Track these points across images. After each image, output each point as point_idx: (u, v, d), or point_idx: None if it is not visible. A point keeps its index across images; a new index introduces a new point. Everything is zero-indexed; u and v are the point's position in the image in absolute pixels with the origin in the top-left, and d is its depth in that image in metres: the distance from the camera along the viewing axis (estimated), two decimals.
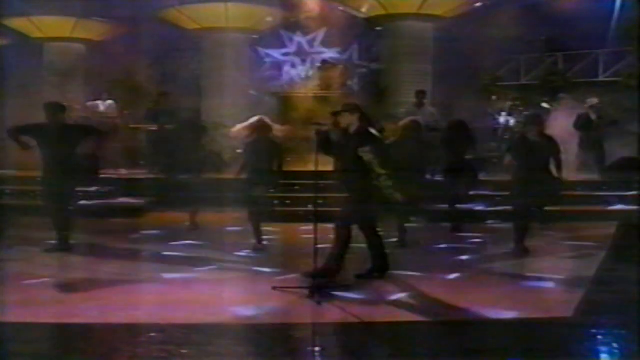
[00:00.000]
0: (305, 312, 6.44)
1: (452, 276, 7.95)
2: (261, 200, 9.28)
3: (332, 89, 14.84)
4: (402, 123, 10.00)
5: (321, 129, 7.46)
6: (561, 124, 13.79)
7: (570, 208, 11.55)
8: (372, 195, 7.40)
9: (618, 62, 18.53)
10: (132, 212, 12.17)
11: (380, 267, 7.68)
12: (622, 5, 18.97)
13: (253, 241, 9.27)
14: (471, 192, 11.58)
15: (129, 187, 13.05)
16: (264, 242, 9.35)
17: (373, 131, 7.59)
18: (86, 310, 6.39)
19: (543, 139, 9.08)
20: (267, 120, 9.48)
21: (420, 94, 14.57)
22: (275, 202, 10.65)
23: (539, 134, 9.08)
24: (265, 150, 9.23)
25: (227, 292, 7.16)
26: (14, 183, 12.43)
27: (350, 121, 7.52)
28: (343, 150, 7.48)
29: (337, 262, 7.41)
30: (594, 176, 13.75)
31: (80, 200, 9.51)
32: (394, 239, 9.44)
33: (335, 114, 7.82)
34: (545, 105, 15.66)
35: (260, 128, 9.33)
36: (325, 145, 7.47)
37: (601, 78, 18.82)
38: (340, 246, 7.43)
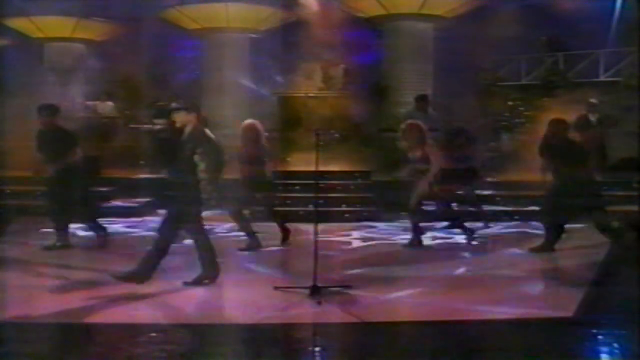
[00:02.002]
0: (305, 311, 6.44)
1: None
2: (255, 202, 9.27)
3: (332, 89, 14.82)
4: (402, 126, 9.78)
5: (155, 128, 7.24)
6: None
7: None
8: (199, 198, 7.17)
9: (619, 62, 18.52)
10: (133, 212, 12.19)
11: (210, 273, 7.32)
12: (623, 5, 18.96)
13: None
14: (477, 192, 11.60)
15: (130, 187, 13.03)
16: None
17: (209, 133, 7.33)
18: None
19: (566, 143, 9.04)
20: (258, 126, 9.35)
21: (422, 99, 14.27)
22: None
23: (563, 139, 9.01)
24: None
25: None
26: (13, 183, 12.40)
27: (186, 121, 7.22)
28: (175, 150, 7.13)
29: (149, 268, 7.03)
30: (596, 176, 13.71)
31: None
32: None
33: (171, 112, 7.42)
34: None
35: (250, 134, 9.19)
36: (158, 144, 7.22)
37: (602, 78, 18.82)
38: (158, 253, 7.07)
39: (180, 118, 7.22)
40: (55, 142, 8.83)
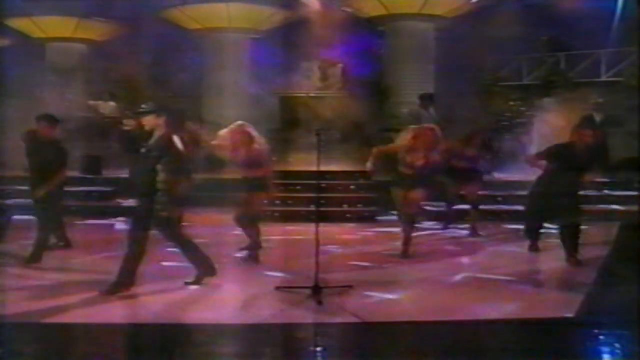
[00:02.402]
0: (306, 312, 6.44)
1: None
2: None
3: (333, 89, 14.83)
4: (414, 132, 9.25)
5: (124, 129, 7.02)
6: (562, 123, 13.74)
7: None
8: (167, 203, 6.81)
9: (620, 62, 18.50)
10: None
11: (206, 272, 7.26)
12: (624, 5, 18.94)
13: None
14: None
15: (130, 186, 13.01)
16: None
17: (177, 141, 7.00)
18: None
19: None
20: (248, 128, 8.73)
21: (427, 98, 14.02)
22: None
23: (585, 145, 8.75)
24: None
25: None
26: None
27: (155, 124, 6.97)
28: (138, 153, 6.94)
29: (129, 276, 6.90)
30: (597, 176, 13.70)
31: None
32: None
33: (139, 115, 7.18)
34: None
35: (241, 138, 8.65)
36: (126, 144, 7.01)
37: (603, 78, 18.79)
38: (134, 257, 6.90)
39: (148, 121, 6.99)
40: (49, 158, 8.47)
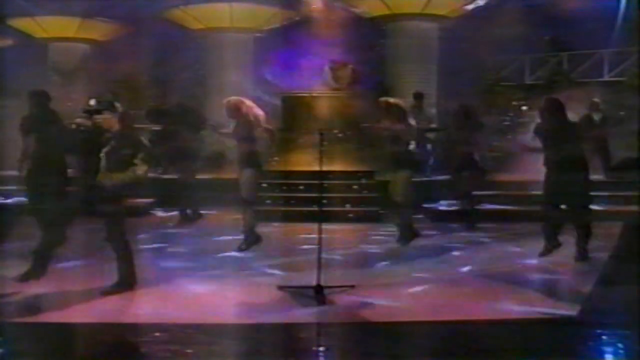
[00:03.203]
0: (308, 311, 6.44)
1: None
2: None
3: (336, 89, 14.80)
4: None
5: (80, 128, 6.88)
6: None
7: None
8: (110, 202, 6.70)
9: (623, 61, 18.49)
10: (136, 211, 12.17)
11: (125, 281, 6.89)
12: (627, 5, 18.93)
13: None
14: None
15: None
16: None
17: (140, 137, 6.94)
18: None
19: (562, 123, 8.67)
20: (244, 100, 9.05)
21: (418, 97, 14.75)
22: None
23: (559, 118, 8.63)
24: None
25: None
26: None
27: (107, 123, 6.82)
28: (86, 149, 6.82)
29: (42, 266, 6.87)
30: (599, 176, 13.68)
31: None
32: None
33: (90, 112, 6.99)
34: None
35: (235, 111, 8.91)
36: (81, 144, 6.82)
37: (606, 78, 18.79)
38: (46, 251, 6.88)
39: (100, 119, 6.82)
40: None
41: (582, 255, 8.48)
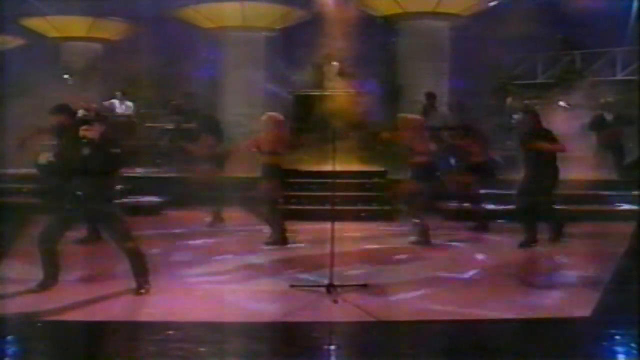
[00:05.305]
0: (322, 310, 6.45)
1: None
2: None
3: (348, 88, 14.81)
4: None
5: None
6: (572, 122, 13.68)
7: (589, 207, 11.73)
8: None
9: (635, 60, 18.41)
10: (150, 210, 12.23)
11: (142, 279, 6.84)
12: None
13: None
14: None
15: (146, 185, 13.07)
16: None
17: (115, 148, 6.70)
18: None
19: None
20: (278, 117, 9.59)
21: (430, 97, 14.74)
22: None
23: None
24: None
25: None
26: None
27: (89, 133, 6.59)
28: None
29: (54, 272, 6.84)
30: (612, 175, 13.63)
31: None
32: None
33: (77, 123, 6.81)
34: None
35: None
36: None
37: (619, 77, 18.71)
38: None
39: (86, 129, 6.62)
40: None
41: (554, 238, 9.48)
